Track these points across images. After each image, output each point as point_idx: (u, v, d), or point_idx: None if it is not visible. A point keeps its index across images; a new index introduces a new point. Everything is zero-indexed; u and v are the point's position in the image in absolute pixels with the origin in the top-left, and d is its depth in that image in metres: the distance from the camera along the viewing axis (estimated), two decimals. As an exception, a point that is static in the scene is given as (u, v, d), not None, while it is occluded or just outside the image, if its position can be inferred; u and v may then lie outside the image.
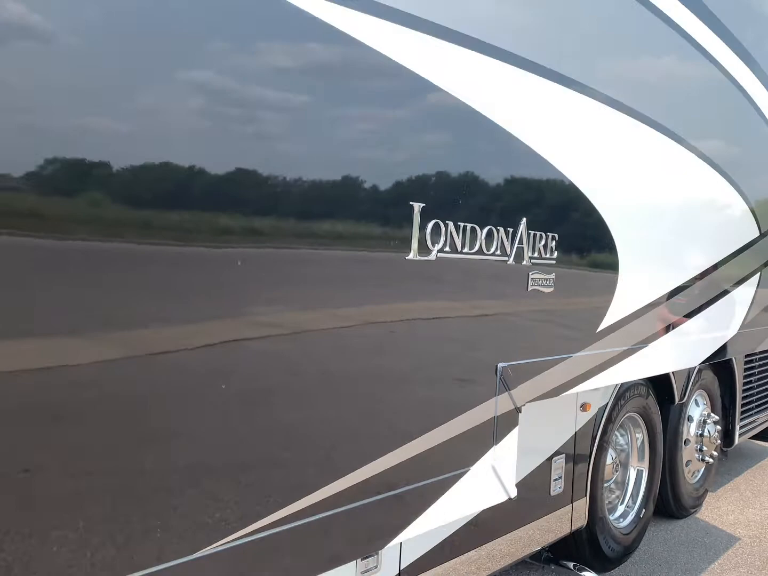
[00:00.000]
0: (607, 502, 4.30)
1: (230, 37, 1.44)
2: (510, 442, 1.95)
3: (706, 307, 2.86)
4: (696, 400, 5.22)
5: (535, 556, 3.94)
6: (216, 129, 1.42)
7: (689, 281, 2.69)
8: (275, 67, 1.46)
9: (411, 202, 1.58)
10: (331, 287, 1.54)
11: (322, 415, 1.59)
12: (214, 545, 1.41)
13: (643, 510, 4.48)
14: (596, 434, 3.93)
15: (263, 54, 1.45)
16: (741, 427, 5.79)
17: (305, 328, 1.51)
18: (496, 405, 1.90)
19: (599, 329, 2.27)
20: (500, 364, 1.90)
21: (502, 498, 1.96)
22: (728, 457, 6.36)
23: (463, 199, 1.75)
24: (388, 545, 1.74)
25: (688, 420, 5.10)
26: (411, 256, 1.66)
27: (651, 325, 2.51)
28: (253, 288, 1.43)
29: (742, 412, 5.79)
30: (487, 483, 1.90)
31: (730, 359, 5.41)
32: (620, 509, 4.45)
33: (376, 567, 2.67)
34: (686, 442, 5.06)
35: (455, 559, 3.00)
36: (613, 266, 2.28)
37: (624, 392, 4.17)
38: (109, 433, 1.36)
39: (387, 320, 1.63)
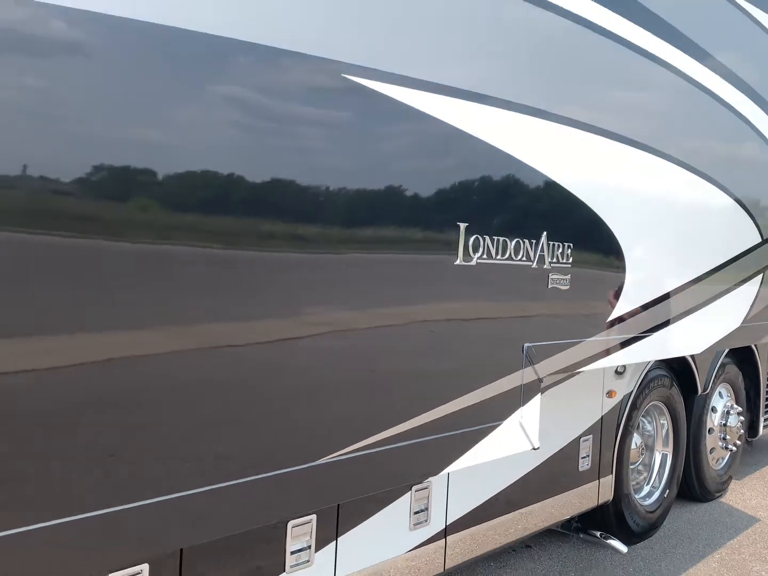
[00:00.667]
0: (634, 482, 4.75)
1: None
2: (534, 404, 2.47)
3: (706, 305, 3.31)
4: (720, 392, 5.62)
5: (566, 526, 4.42)
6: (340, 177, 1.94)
7: (688, 282, 3.16)
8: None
9: (458, 223, 2.14)
10: (405, 283, 2.11)
11: (405, 377, 2.18)
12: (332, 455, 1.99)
13: (667, 490, 4.91)
14: (621, 419, 4.38)
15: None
16: (766, 419, 6.17)
17: (395, 314, 2.12)
18: (523, 375, 2.43)
19: (609, 319, 2.78)
20: (526, 345, 2.44)
21: (527, 447, 2.47)
22: (755, 447, 6.72)
23: (496, 219, 2.29)
24: (442, 472, 2.29)
25: (712, 410, 5.51)
26: (458, 261, 2.20)
27: (653, 317, 2.99)
28: (353, 285, 1.98)
29: (767, 405, 6.17)
30: (516, 434, 2.41)
31: (754, 355, 5.81)
32: (646, 489, 4.88)
33: (426, 521, 3.20)
34: (710, 431, 5.47)
35: (493, 521, 3.51)
36: (620, 269, 2.79)
37: (648, 382, 4.62)
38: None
39: (443, 308, 2.19)
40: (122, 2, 1.60)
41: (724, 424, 5.60)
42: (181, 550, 2.22)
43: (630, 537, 4.56)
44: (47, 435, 1.61)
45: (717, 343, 3.76)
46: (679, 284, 3.11)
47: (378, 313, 2.04)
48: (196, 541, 2.06)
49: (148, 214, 1.75)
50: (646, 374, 4.55)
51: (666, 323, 3.07)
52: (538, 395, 2.47)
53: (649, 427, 4.93)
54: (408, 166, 2.10)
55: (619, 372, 4.29)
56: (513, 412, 2.39)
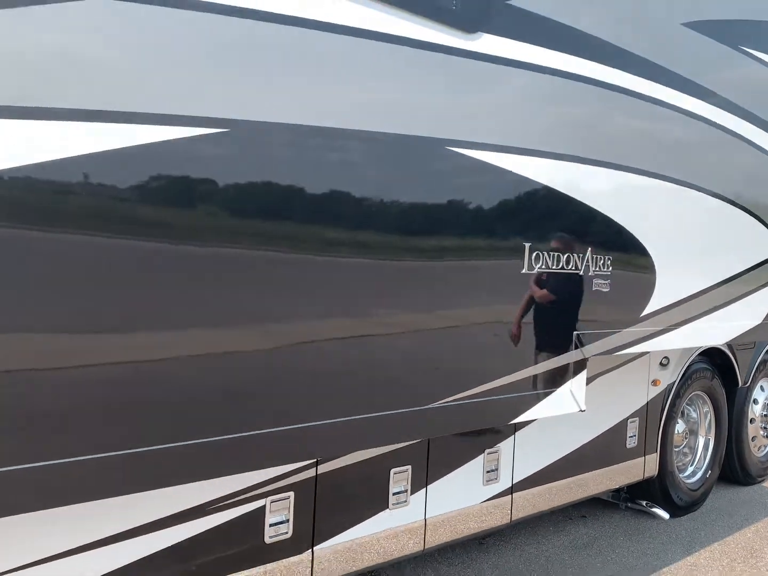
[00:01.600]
0: (680, 463, 5.37)
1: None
2: (581, 377, 3.18)
3: (725, 306, 3.97)
4: (762, 385, 6.19)
5: (615, 496, 5.10)
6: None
7: (708, 287, 3.84)
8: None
9: (524, 243, 2.90)
10: (491, 284, 2.88)
11: (489, 349, 2.96)
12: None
13: (710, 471, 5.52)
14: (665, 405, 5.02)
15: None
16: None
17: (484, 308, 2.90)
18: (573, 356, 3.16)
19: (643, 314, 3.47)
20: (575, 332, 3.17)
21: (576, 409, 3.18)
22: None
23: (552, 240, 3.05)
24: (514, 420, 3.08)
25: (754, 402, 6.08)
26: (524, 270, 2.95)
27: (677, 314, 3.67)
28: (462, 287, 2.75)
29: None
30: (567, 398, 3.13)
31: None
32: (690, 469, 5.50)
33: (496, 479, 3.94)
34: (752, 420, 6.04)
35: (552, 483, 4.23)
36: (652, 276, 3.49)
37: (691, 374, 5.25)
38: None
39: (514, 303, 2.96)
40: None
41: (765, 415, 6.16)
42: (316, 477, 3.03)
43: (674, 510, 5.19)
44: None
45: (736, 337, 4.41)
46: (700, 289, 3.79)
47: (475, 307, 2.83)
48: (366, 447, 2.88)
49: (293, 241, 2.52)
50: (688, 367, 5.18)
51: (689, 320, 3.75)
52: (584, 371, 3.19)
53: (693, 414, 5.55)
54: (492, 205, 2.87)
55: (663, 364, 4.95)
56: (565, 382, 3.12)
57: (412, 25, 2.38)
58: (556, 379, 3.07)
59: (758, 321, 4.29)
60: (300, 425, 2.45)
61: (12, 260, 1.83)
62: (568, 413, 3.18)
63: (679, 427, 5.33)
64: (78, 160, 1.84)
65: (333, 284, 2.46)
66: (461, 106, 2.63)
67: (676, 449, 5.34)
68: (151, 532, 2.59)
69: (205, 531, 2.75)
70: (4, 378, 1.89)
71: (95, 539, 2.44)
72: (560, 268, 3.06)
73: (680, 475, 5.34)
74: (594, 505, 5.27)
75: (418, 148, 2.50)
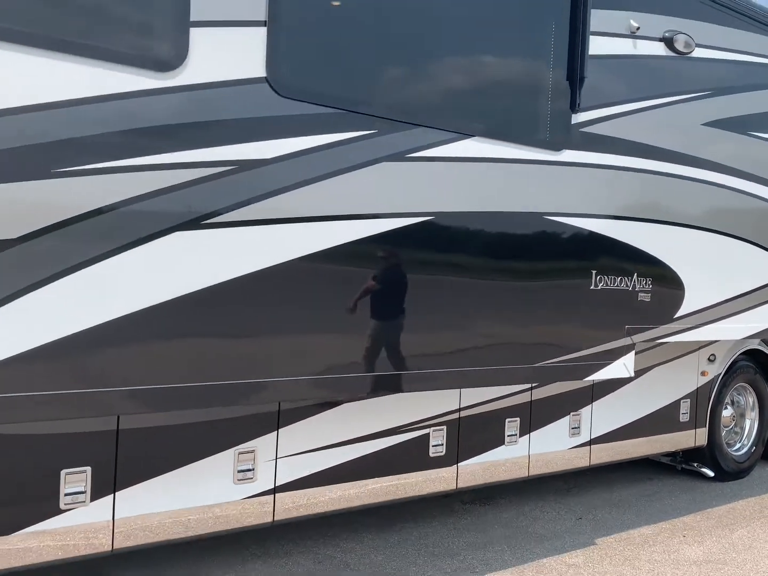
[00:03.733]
0: (731, 440, 6.85)
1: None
2: (630, 356, 4.86)
3: (741, 313, 5.56)
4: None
5: (673, 460, 6.66)
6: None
7: (725, 300, 5.46)
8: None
9: (591, 270, 4.66)
10: (571, 295, 4.63)
11: (575, 334, 4.71)
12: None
13: (754, 448, 6.97)
14: (712, 392, 6.55)
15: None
16: None
17: (566, 310, 4.65)
18: (625, 341, 4.87)
19: (675, 316, 5.13)
20: (626, 326, 4.88)
21: (626, 375, 4.86)
22: None
23: (609, 268, 4.80)
24: (588, 377, 4.84)
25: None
26: (591, 287, 4.69)
27: (701, 318, 5.31)
28: (549, 294, 4.52)
29: None
30: (621, 368, 4.82)
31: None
32: (738, 445, 6.97)
33: (578, 434, 5.63)
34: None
35: (619, 441, 5.87)
36: (681, 292, 5.16)
37: (736, 369, 6.75)
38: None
39: (587, 309, 4.71)
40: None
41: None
42: (459, 420, 4.81)
43: (723, 475, 6.68)
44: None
45: (749, 336, 6.00)
46: (717, 301, 5.41)
47: (564, 307, 4.58)
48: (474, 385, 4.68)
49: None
50: (732, 363, 6.70)
51: (708, 322, 5.38)
52: (632, 352, 4.87)
53: (742, 401, 7.03)
54: (573, 247, 4.63)
55: (711, 360, 6.49)
56: (620, 357, 4.80)
57: (523, 150, 4.18)
58: (614, 355, 4.76)
59: (765, 326, 5.86)
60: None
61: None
62: (626, 388, 4.96)
63: (728, 411, 6.84)
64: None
65: (496, 294, 4.31)
66: (552, 192, 4.40)
67: (727, 428, 6.85)
68: (369, 440, 4.45)
69: (398, 444, 4.58)
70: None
71: (348, 438, 4.31)
72: (615, 286, 4.78)
73: (729, 449, 6.84)
74: (658, 468, 6.85)
75: (531, 217, 4.31)
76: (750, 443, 7.00)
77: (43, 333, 2.74)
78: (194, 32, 2.96)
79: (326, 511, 4.34)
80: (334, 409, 4.25)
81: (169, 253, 2.92)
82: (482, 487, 5.19)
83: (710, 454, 6.62)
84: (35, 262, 2.65)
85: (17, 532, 3.34)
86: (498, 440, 5.10)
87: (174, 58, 2.93)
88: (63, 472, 3.43)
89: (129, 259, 2.82)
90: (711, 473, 6.56)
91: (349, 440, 4.36)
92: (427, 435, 4.73)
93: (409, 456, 4.65)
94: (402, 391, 4.15)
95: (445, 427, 4.81)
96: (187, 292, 3.00)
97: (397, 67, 3.74)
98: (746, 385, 6.95)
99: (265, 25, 3.16)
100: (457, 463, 4.89)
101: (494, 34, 4.15)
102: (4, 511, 3.32)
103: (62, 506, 3.44)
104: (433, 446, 4.77)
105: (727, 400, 6.81)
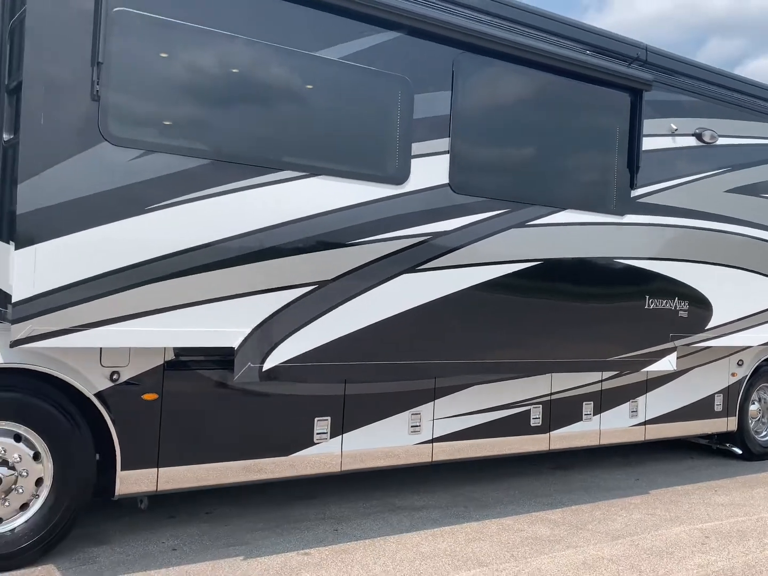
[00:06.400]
0: (758, 429, 8.72)
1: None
2: (673, 355, 6.85)
3: (753, 327, 7.55)
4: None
5: (710, 442, 8.59)
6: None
7: (746, 316, 7.44)
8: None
9: (646, 295, 6.70)
10: (632, 312, 6.67)
11: (631, 340, 6.76)
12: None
13: (777, 435, 8.86)
14: (741, 389, 8.46)
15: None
16: None
17: (627, 323, 6.69)
18: (669, 345, 6.86)
19: (705, 328, 7.12)
20: (671, 334, 6.87)
21: (670, 368, 6.86)
22: None
23: (657, 294, 6.82)
24: (643, 369, 6.91)
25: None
26: (646, 306, 6.70)
27: (726, 329, 7.29)
28: (618, 312, 6.59)
29: None
30: (666, 364, 6.83)
31: None
32: (764, 433, 8.84)
33: (636, 416, 7.63)
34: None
35: (667, 423, 7.84)
36: (710, 311, 7.15)
37: (761, 372, 8.65)
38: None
39: (642, 322, 6.73)
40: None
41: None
42: (551, 401, 6.89)
43: (750, 456, 8.56)
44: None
45: (761, 344, 7.96)
46: (737, 317, 7.40)
47: (626, 321, 6.63)
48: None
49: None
50: (757, 367, 8.60)
51: (730, 333, 7.36)
52: (674, 353, 6.87)
53: (767, 397, 8.92)
54: (633, 280, 6.68)
55: (739, 364, 8.41)
56: (665, 356, 6.80)
57: (599, 216, 6.27)
58: (661, 354, 6.78)
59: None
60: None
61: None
62: (672, 383, 7.05)
63: (755, 406, 8.73)
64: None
65: (582, 311, 6.39)
66: (619, 243, 6.48)
67: (755, 419, 8.73)
68: (492, 411, 6.55)
69: (510, 414, 6.66)
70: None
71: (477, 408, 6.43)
72: (662, 306, 6.81)
73: (756, 436, 8.72)
74: (697, 449, 8.78)
75: (605, 260, 6.41)
76: (774, 431, 8.88)
77: (342, 328, 5.01)
78: (414, 162, 5.20)
79: (464, 457, 6.45)
80: (469, 388, 6.35)
81: (402, 284, 5.17)
82: (566, 451, 7.24)
83: (740, 437, 8.52)
84: (341, 290, 4.93)
85: (292, 455, 5.52)
86: (577, 417, 7.13)
87: (403, 176, 5.18)
88: (315, 419, 5.62)
89: (386, 287, 5.09)
90: (739, 451, 8.47)
91: (479, 410, 6.45)
92: (529, 410, 6.80)
93: (517, 424, 6.71)
94: (529, 375, 6.32)
95: (541, 405, 6.87)
96: (411, 306, 5.22)
97: (521, 168, 5.92)
98: (769, 385, 8.85)
99: (448, 154, 5.38)
100: (549, 432, 6.95)
101: (581, 138, 6.28)
102: (283, 441, 5.50)
103: (314, 440, 5.62)
104: (533, 418, 6.84)
105: (754, 396, 8.69)
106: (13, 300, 3.85)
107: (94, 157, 4.01)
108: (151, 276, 4.22)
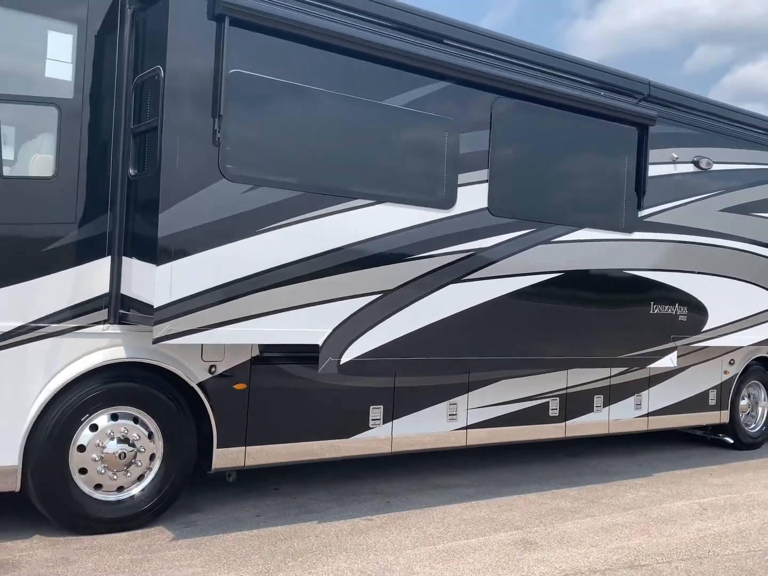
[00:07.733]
0: (748, 421, 9.71)
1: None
2: (673, 354, 7.81)
3: (749, 328, 8.56)
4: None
5: (705, 432, 9.58)
6: None
7: (740, 319, 8.45)
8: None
9: (650, 301, 7.68)
10: (640, 317, 7.67)
11: (639, 339, 7.74)
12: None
13: (765, 428, 9.85)
14: (732, 386, 9.45)
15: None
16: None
17: (636, 325, 7.68)
18: (670, 345, 7.83)
19: (703, 330, 8.10)
20: (672, 335, 7.84)
21: (671, 365, 7.82)
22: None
23: (660, 301, 7.80)
24: (647, 366, 7.92)
25: (796, 391, 10.32)
26: (650, 311, 7.67)
27: (720, 331, 8.28)
28: (628, 315, 7.55)
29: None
30: (667, 361, 7.79)
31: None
32: (753, 425, 9.84)
33: (640, 408, 8.62)
34: (795, 402, 10.28)
35: (668, 414, 8.82)
36: (705, 316, 8.13)
37: (750, 370, 9.64)
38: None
39: (648, 324, 7.71)
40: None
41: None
42: (567, 395, 7.87)
43: (741, 445, 9.56)
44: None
45: (756, 343, 8.95)
46: (730, 321, 8.39)
47: (634, 323, 7.59)
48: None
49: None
50: (747, 366, 9.60)
51: (723, 335, 8.35)
52: (675, 352, 7.83)
53: (756, 394, 9.91)
54: (639, 288, 7.66)
55: (731, 363, 9.40)
56: (667, 354, 7.76)
57: (612, 233, 7.25)
58: (663, 353, 7.75)
59: (762, 337, 8.83)
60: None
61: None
62: (672, 380, 8.03)
63: (745, 401, 9.73)
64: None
65: (596, 315, 7.35)
66: (628, 256, 7.46)
67: (744, 413, 9.72)
68: (516, 402, 7.51)
69: (532, 405, 7.62)
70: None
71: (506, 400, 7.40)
72: (664, 311, 7.80)
73: (746, 428, 9.72)
74: (694, 439, 9.78)
75: (616, 272, 7.38)
76: (762, 424, 9.88)
77: (401, 329, 5.96)
78: (459, 189, 6.18)
79: (492, 442, 7.41)
80: (497, 383, 7.31)
81: (449, 293, 6.14)
82: (580, 439, 8.22)
83: (731, 429, 9.51)
84: (401, 298, 5.89)
85: (352, 437, 6.47)
86: (590, 408, 8.10)
87: (451, 202, 6.16)
88: (370, 407, 6.57)
89: (436, 295, 6.07)
90: (731, 441, 9.46)
91: (505, 401, 7.41)
92: (548, 402, 7.77)
93: (537, 413, 7.67)
94: (551, 370, 7.29)
95: (558, 398, 7.83)
96: (456, 311, 6.19)
97: (546, 194, 6.90)
98: (758, 382, 9.84)
99: (487, 183, 6.37)
100: (565, 421, 7.92)
101: (596, 166, 7.29)
102: (345, 425, 6.45)
103: (369, 425, 6.57)
104: (551, 409, 7.80)
105: (744, 392, 9.69)
106: (155, 306, 4.79)
107: (216, 190, 4.97)
108: (258, 286, 5.17)
